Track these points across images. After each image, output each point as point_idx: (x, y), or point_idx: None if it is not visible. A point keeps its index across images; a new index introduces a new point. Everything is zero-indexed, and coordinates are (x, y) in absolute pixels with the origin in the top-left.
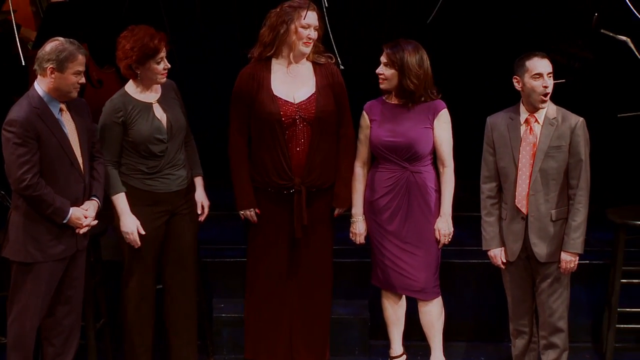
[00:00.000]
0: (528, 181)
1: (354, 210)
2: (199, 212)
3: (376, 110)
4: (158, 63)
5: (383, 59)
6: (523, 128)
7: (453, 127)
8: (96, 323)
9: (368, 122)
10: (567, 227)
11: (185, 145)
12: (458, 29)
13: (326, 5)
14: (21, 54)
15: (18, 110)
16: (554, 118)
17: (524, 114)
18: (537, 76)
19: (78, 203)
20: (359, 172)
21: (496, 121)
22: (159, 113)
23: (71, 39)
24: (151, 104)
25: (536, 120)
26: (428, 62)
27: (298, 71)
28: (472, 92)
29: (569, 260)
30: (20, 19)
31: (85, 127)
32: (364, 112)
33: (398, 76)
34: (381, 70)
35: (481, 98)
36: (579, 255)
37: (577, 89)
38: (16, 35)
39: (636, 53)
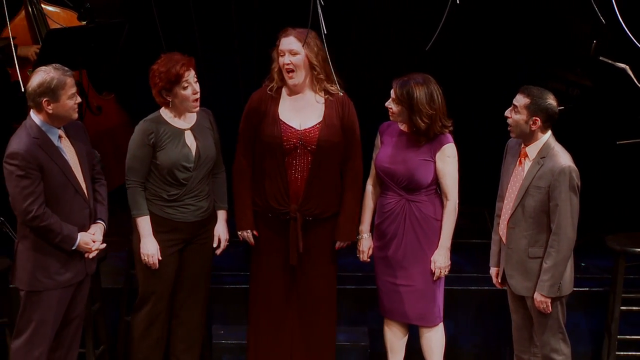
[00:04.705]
0: (510, 213)
1: (360, 227)
2: (215, 244)
3: (387, 133)
4: (184, 89)
5: (392, 93)
6: (516, 160)
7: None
8: (96, 350)
9: (379, 143)
10: (542, 268)
11: (214, 177)
12: (457, 57)
13: (325, 32)
14: (21, 81)
15: (18, 142)
16: (543, 157)
17: (522, 146)
18: None
19: (85, 228)
20: (369, 190)
21: (510, 145)
22: (190, 140)
23: (55, 65)
24: (183, 130)
25: (526, 155)
26: (440, 96)
27: (307, 100)
28: (471, 119)
29: (539, 300)
30: (19, 45)
31: (85, 151)
32: (378, 132)
33: (408, 113)
34: (389, 104)
35: (482, 125)
36: (552, 298)
37: (576, 116)
38: (16, 62)
39: (635, 80)
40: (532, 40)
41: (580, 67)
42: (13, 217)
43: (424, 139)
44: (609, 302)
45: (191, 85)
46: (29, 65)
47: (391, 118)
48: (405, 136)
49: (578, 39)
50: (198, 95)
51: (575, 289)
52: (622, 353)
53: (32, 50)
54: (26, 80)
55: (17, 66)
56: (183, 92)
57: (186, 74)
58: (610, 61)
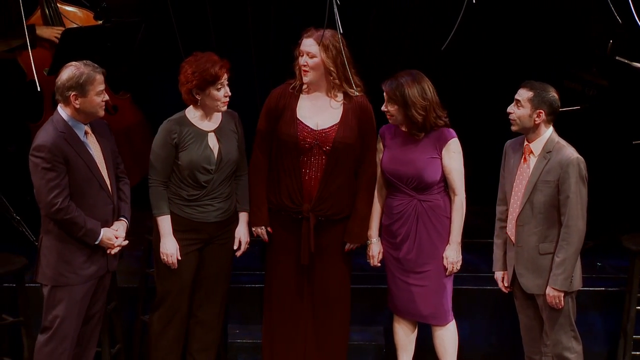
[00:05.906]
0: (518, 211)
1: (369, 232)
2: (236, 247)
3: (388, 136)
4: (218, 90)
5: (385, 96)
6: (521, 157)
7: (468, 153)
8: (111, 349)
9: (382, 146)
10: (553, 262)
11: (237, 179)
12: (473, 56)
13: (341, 32)
14: (37, 80)
15: (44, 136)
16: (549, 152)
17: (525, 143)
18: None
19: (108, 224)
20: (375, 195)
21: (510, 146)
22: (213, 142)
23: (85, 61)
24: (207, 132)
25: (531, 152)
26: (431, 88)
27: (326, 101)
28: (487, 119)
29: (552, 295)
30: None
31: (110, 149)
32: (379, 136)
33: (403, 110)
34: (385, 107)
35: (495, 124)
36: (565, 292)
37: (592, 116)
38: (32, 61)
39: None
40: (549, 40)
41: (596, 67)
42: (29, 217)
43: (422, 133)
44: (624, 302)
45: (224, 87)
46: (45, 65)
47: (390, 121)
48: (405, 137)
49: (594, 38)
50: (228, 98)
51: (590, 288)
52: (638, 353)
53: (54, 34)
54: (41, 79)
55: (33, 65)
56: (216, 92)
57: (223, 75)
58: (626, 61)
